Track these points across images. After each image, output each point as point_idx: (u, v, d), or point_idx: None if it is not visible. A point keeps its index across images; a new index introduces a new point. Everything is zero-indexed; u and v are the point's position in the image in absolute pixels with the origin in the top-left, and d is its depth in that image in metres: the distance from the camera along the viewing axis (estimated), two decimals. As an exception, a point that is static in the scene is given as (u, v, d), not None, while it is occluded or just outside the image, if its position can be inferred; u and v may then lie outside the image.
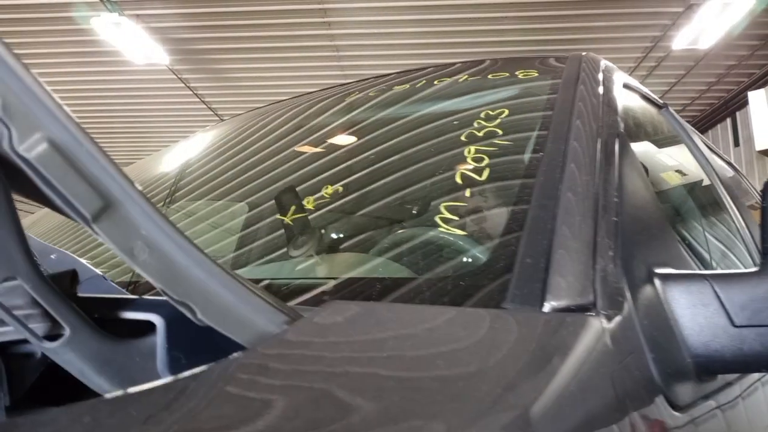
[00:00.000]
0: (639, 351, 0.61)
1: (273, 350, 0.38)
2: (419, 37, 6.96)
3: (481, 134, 0.90)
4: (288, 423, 0.32)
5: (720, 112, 9.13)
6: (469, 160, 0.82)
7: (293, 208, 0.89)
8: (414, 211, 0.83)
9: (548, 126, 0.85)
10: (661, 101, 1.65)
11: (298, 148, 1.16)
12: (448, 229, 0.69)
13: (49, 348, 0.38)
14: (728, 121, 9.17)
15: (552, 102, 0.95)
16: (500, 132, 0.89)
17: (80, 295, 0.43)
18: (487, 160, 0.81)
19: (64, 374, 0.40)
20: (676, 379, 0.65)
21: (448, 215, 0.71)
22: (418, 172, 0.91)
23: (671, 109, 1.71)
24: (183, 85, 7.98)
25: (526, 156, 0.79)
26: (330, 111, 1.25)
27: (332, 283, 0.62)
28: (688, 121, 10.01)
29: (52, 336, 0.39)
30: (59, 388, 0.43)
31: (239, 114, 1.80)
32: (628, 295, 0.64)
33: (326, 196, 0.90)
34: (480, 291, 0.57)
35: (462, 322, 0.47)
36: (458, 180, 0.78)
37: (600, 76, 1.13)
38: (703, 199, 1.58)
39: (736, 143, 9.00)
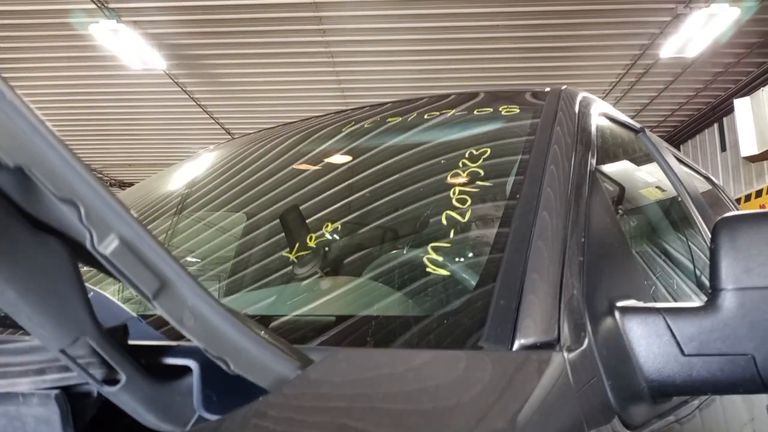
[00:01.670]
0: (597, 379, 0.71)
1: (292, 392, 0.47)
2: (412, 44, 7.06)
3: (465, 175, 0.99)
4: None
5: (707, 117, 9.28)
6: (454, 201, 0.92)
7: (298, 244, 0.99)
8: (404, 252, 0.93)
9: (525, 170, 0.95)
10: (638, 125, 1.75)
11: (291, 182, 1.24)
12: (435, 270, 0.79)
13: (108, 391, 0.48)
14: (715, 126, 9.32)
15: (530, 144, 1.05)
16: (482, 173, 0.99)
17: (130, 343, 0.52)
18: (469, 202, 0.91)
19: (119, 410, 0.50)
20: (631, 402, 0.75)
21: (434, 256, 0.80)
22: (409, 212, 1.00)
23: (648, 132, 1.81)
24: (180, 89, 8.05)
25: (503, 200, 0.89)
26: (321, 147, 1.34)
27: (329, 320, 0.71)
28: (675, 126, 10.14)
29: (110, 381, 0.49)
30: (115, 422, 0.52)
31: (227, 141, 1.89)
32: (589, 329, 0.74)
33: (326, 233, 0.99)
34: (461, 330, 0.66)
35: (443, 363, 0.57)
36: (444, 222, 0.87)
37: (577, 112, 1.23)
38: (674, 218, 1.69)
39: (723, 148, 9.15)
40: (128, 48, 6.50)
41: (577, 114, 1.22)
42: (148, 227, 1.42)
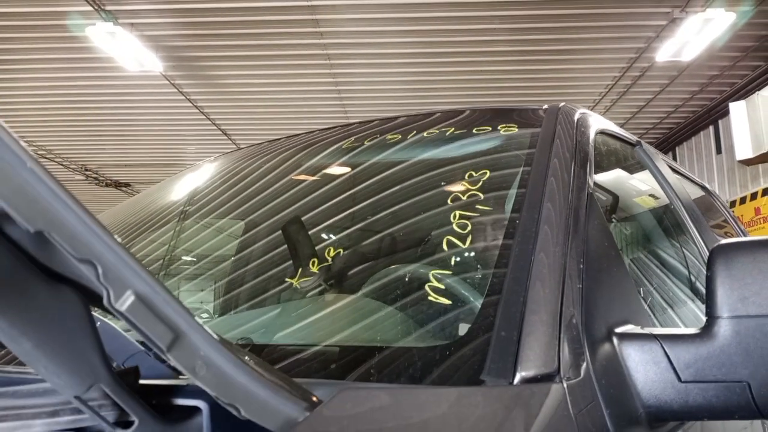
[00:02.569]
0: (596, 406, 0.72)
1: None
2: (409, 47, 7.07)
3: (465, 198, 1.01)
4: None
5: (703, 120, 9.31)
6: (454, 225, 0.93)
7: (300, 269, 1.00)
8: (407, 279, 0.94)
9: (524, 194, 0.96)
10: (635, 139, 1.77)
11: (286, 205, 1.26)
12: (437, 299, 0.80)
13: None
14: (711, 129, 9.35)
15: (528, 167, 1.06)
16: (482, 197, 1.00)
17: (142, 382, 0.53)
18: (469, 227, 0.92)
19: None
20: (629, 428, 0.76)
21: (436, 284, 0.82)
22: (410, 238, 1.02)
23: (644, 144, 1.83)
24: (176, 91, 8.04)
25: (503, 227, 0.90)
26: (320, 166, 1.35)
27: (332, 350, 0.73)
28: (671, 129, 10.18)
29: (122, 423, 0.50)
30: None
31: (225, 152, 1.90)
32: (588, 357, 0.75)
33: (328, 258, 1.01)
34: (463, 363, 0.68)
35: (451, 401, 0.58)
36: (445, 248, 0.89)
37: (575, 131, 1.24)
38: (670, 230, 1.70)
39: (719, 151, 9.18)
40: (125, 50, 6.50)
41: (576, 132, 1.23)
42: (154, 239, 1.42)
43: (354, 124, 1.62)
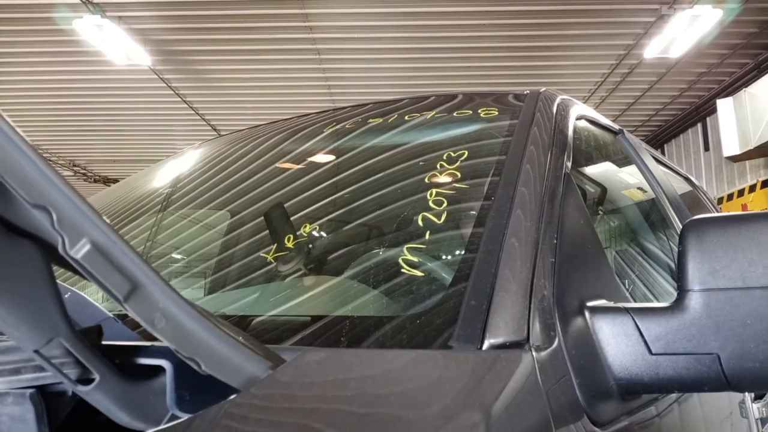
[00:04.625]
0: (566, 378, 0.72)
1: (261, 392, 0.48)
2: (399, 42, 7.07)
3: (442, 176, 1.01)
4: None
5: (691, 117, 9.38)
6: (430, 203, 0.94)
7: (276, 244, 1.00)
8: (380, 253, 0.94)
9: (500, 172, 0.97)
10: (618, 127, 1.77)
11: (271, 182, 1.26)
12: (410, 271, 0.80)
13: (82, 391, 0.49)
14: (699, 126, 9.42)
15: (506, 146, 1.06)
16: (459, 175, 1.00)
17: (104, 343, 0.53)
18: (445, 204, 0.93)
19: (93, 408, 0.51)
20: (599, 400, 0.77)
21: (409, 257, 0.82)
22: (386, 213, 1.02)
23: (627, 133, 1.84)
24: (165, 85, 8.01)
25: (478, 202, 0.90)
26: (302, 148, 1.35)
27: (303, 320, 0.73)
28: (659, 126, 10.28)
29: (84, 380, 0.50)
30: (88, 420, 0.53)
31: (212, 138, 1.89)
32: (559, 328, 0.75)
33: (304, 234, 1.01)
34: (432, 330, 0.68)
35: (413, 363, 0.59)
36: (420, 223, 0.89)
37: (554, 114, 1.24)
38: (650, 217, 1.72)
39: (706, 147, 9.25)
40: (113, 44, 6.46)
41: (555, 116, 1.23)
42: (132, 225, 1.42)
43: (335, 109, 1.62)
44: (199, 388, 0.52)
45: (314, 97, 8.54)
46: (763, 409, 1.49)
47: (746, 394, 1.41)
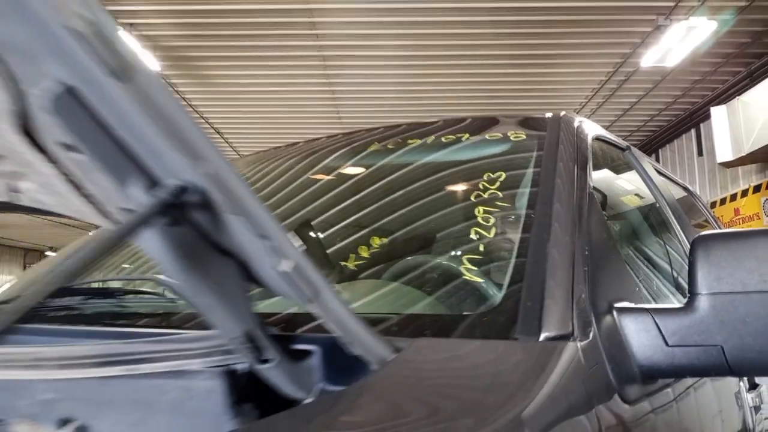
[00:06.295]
0: (601, 364, 0.90)
1: (392, 370, 0.66)
2: (403, 50, 7.25)
3: (486, 196, 1.18)
4: (409, 415, 0.60)
5: (685, 123, 9.60)
6: (479, 219, 1.11)
7: (353, 255, 1.17)
8: (444, 262, 1.11)
9: (537, 190, 1.14)
10: (625, 144, 1.96)
11: (334, 202, 1.42)
12: (471, 278, 0.98)
13: (262, 369, 0.66)
14: (692, 132, 9.64)
15: (539, 167, 1.24)
16: (500, 195, 1.18)
17: (272, 333, 0.71)
18: (492, 220, 1.10)
19: (261, 384, 0.68)
20: (626, 382, 0.95)
21: (470, 266, 0.99)
22: (444, 227, 1.20)
23: (633, 149, 2.02)
24: (172, 91, 8.14)
25: (521, 218, 1.08)
26: (349, 165, 1.53)
27: (397, 318, 0.90)
28: (654, 131, 10.42)
29: (262, 361, 0.67)
30: (260, 393, 0.70)
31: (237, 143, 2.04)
32: (594, 325, 0.93)
33: (375, 245, 1.18)
34: (499, 326, 0.85)
35: (492, 350, 0.76)
36: (474, 237, 1.06)
37: (575, 136, 1.42)
38: (655, 225, 1.90)
39: (700, 153, 9.47)
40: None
41: (576, 138, 1.41)
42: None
43: (368, 129, 1.79)
44: (340, 368, 0.69)
45: (318, 103, 8.72)
46: (756, 398, 1.68)
47: (741, 385, 1.59)
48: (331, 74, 7.83)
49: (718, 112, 7.76)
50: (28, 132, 0.62)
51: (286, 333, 0.72)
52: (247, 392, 0.69)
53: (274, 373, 0.66)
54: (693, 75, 8.02)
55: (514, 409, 0.66)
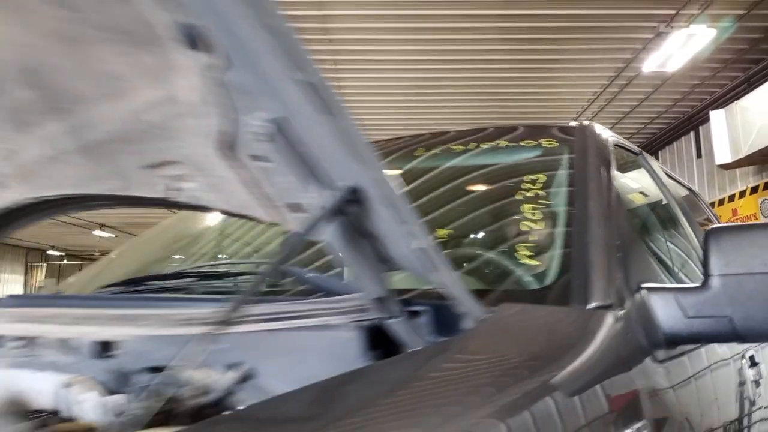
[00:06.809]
0: (635, 330, 1.12)
1: (487, 327, 0.87)
2: (413, 54, 7.48)
3: (530, 194, 1.41)
4: (503, 355, 0.82)
5: (684, 126, 9.85)
6: (527, 214, 1.33)
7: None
8: (504, 249, 1.34)
9: (573, 191, 1.36)
10: (638, 149, 2.18)
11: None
12: (532, 262, 1.20)
13: (392, 323, 0.87)
14: (692, 134, 9.88)
15: (572, 171, 1.46)
16: (543, 194, 1.40)
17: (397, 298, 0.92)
18: (539, 215, 1.32)
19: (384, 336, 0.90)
20: (654, 347, 1.17)
21: (527, 252, 1.21)
22: (502, 223, 1.43)
23: (644, 153, 2.24)
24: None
25: (564, 213, 1.30)
26: (409, 166, 1.75)
27: (478, 288, 1.12)
28: (654, 134, 10.60)
29: (391, 317, 0.88)
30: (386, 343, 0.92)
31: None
32: (628, 300, 1.15)
33: (442, 236, 1.40)
34: (558, 297, 1.08)
35: (554, 313, 0.98)
36: (525, 228, 1.29)
37: (600, 143, 1.64)
38: (664, 218, 2.12)
39: (699, 155, 9.71)
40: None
41: (600, 144, 1.63)
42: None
43: (414, 136, 2.01)
44: (444, 325, 0.91)
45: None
46: (756, 375, 1.91)
47: (743, 362, 1.82)
48: (342, 77, 8.06)
49: (717, 116, 8.00)
50: (226, 147, 0.84)
51: (405, 297, 0.94)
52: (377, 341, 0.90)
53: (398, 327, 0.88)
54: (692, 79, 8.26)
55: (578, 354, 0.89)
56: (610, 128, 1.87)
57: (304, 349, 0.91)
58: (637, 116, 9.60)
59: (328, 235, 0.82)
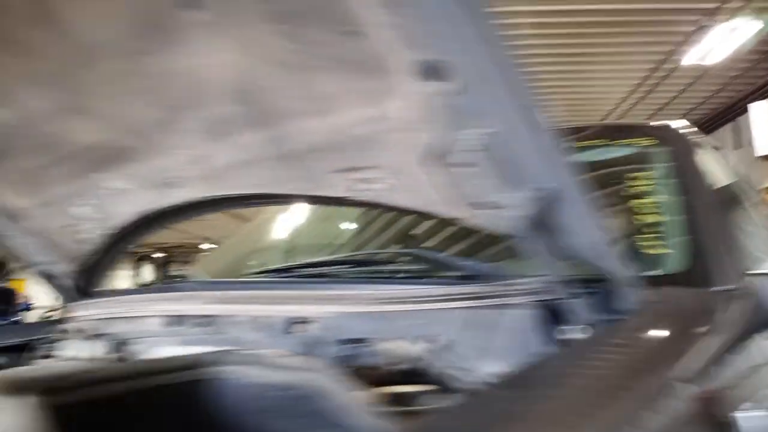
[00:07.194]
0: (755, 307, 1.29)
1: (649, 310, 1.05)
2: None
3: (638, 188, 1.57)
4: (665, 327, 1.00)
5: (722, 117, 9.85)
6: (645, 208, 1.50)
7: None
8: (631, 239, 1.50)
9: (682, 185, 1.52)
10: (719, 144, 2.32)
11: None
12: (654, 251, 1.37)
13: (575, 304, 1.04)
14: (729, 125, 9.88)
15: (672, 167, 1.60)
16: (657, 189, 1.56)
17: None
18: (658, 208, 1.49)
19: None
20: (764, 322, 1.33)
21: (653, 243, 1.38)
22: (624, 217, 1.60)
23: (720, 148, 2.38)
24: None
25: (673, 204, 1.46)
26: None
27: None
28: (692, 123, 10.51)
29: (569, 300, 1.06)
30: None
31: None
32: (744, 283, 1.32)
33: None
34: (686, 280, 1.25)
35: (685, 293, 1.17)
36: (640, 221, 1.46)
37: (687, 141, 1.79)
38: (746, 206, 2.27)
39: (737, 146, 9.72)
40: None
41: (685, 142, 1.78)
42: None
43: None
44: (611, 306, 1.07)
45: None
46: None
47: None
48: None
49: (757, 108, 8.03)
50: (431, 157, 1.01)
51: (580, 277, 1.11)
52: (554, 318, 1.07)
53: (576, 306, 1.05)
54: (732, 71, 8.26)
55: (719, 324, 1.07)
56: (648, 118, 1.99)
57: (491, 324, 1.08)
58: (675, 108, 9.63)
59: (523, 228, 0.99)
